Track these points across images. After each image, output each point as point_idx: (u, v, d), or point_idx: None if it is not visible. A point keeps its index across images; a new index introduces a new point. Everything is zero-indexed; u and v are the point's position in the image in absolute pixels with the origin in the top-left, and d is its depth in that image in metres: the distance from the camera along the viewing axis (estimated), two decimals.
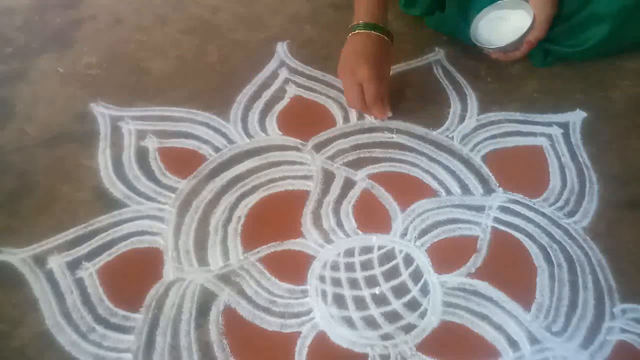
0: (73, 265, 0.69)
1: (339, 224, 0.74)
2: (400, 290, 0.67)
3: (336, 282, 0.68)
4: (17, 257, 0.70)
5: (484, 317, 0.65)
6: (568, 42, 0.88)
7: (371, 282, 0.68)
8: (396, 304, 0.66)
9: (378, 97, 0.82)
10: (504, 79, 0.93)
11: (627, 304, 0.66)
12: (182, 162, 0.81)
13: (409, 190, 0.77)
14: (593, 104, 0.89)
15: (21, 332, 0.64)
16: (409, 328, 0.64)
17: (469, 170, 0.80)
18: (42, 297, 0.66)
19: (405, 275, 0.69)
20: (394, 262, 0.70)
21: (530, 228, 0.73)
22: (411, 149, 0.82)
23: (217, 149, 0.82)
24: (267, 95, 0.91)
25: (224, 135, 0.84)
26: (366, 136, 0.84)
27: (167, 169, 0.80)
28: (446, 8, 0.95)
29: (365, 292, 0.67)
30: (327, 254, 0.71)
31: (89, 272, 0.68)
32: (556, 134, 0.85)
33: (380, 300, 0.67)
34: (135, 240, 0.71)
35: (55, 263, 0.69)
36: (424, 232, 0.73)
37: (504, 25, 0.86)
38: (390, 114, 0.85)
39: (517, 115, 0.88)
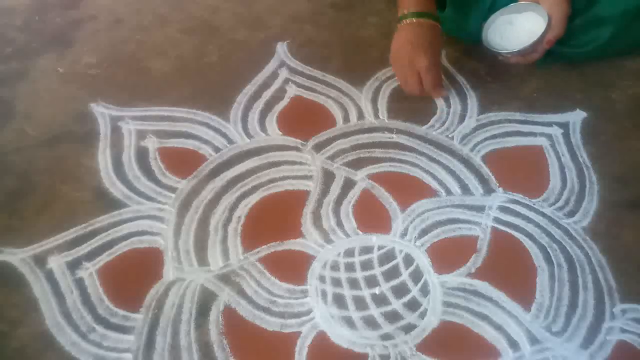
0: (73, 265, 0.69)
1: (339, 224, 0.74)
2: (400, 290, 0.67)
3: (336, 282, 0.68)
4: (17, 257, 0.70)
5: (484, 317, 0.65)
6: (570, 44, 0.88)
7: (371, 282, 0.68)
8: (396, 304, 0.66)
9: (437, 83, 0.85)
10: (504, 79, 0.93)
11: (627, 304, 0.66)
12: (182, 162, 0.81)
13: (409, 190, 0.77)
14: (593, 104, 0.89)
15: (21, 332, 0.64)
16: (409, 328, 0.64)
17: (469, 170, 0.80)
18: (42, 297, 0.66)
19: (405, 275, 0.69)
20: (394, 262, 0.70)
21: (530, 228, 0.73)
22: (411, 149, 0.82)
23: (217, 149, 0.82)
24: (267, 95, 0.91)
25: (224, 135, 0.84)
26: (366, 136, 0.84)
27: (167, 169, 0.80)
28: (446, 8, 0.95)
29: (365, 292, 0.67)
30: (327, 254, 0.71)
31: (89, 272, 0.68)
32: (556, 134, 0.85)
33: (380, 300, 0.67)
34: (135, 240, 0.72)
35: (55, 263, 0.69)
36: (424, 232, 0.73)
37: (515, 30, 0.85)
38: (447, 92, 0.89)
39: (517, 115, 0.88)
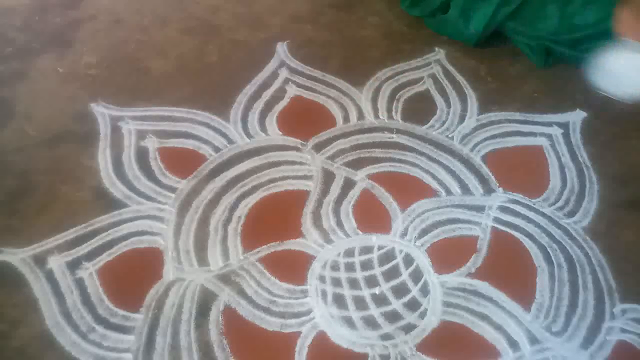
0: (73, 265, 0.69)
1: (339, 224, 0.74)
2: (400, 290, 0.67)
3: (336, 282, 0.68)
4: (17, 257, 0.69)
5: (484, 317, 0.65)
6: (580, 48, 0.89)
7: (371, 282, 0.68)
8: (396, 304, 0.66)
9: None
10: (504, 79, 0.93)
11: (627, 304, 0.66)
12: (182, 162, 0.80)
13: (409, 190, 0.77)
14: (593, 104, 0.89)
15: (21, 332, 0.64)
16: (409, 328, 0.64)
17: (469, 170, 0.80)
18: (42, 297, 0.66)
19: (405, 275, 0.69)
20: (394, 262, 0.70)
21: (530, 228, 0.73)
22: (411, 149, 0.82)
23: (217, 149, 0.82)
24: (267, 95, 0.91)
25: (224, 135, 0.84)
26: (366, 136, 0.84)
27: (167, 169, 0.80)
28: (449, 10, 0.95)
29: (365, 292, 0.67)
30: (327, 254, 0.71)
31: (89, 272, 0.68)
32: (556, 134, 0.85)
33: (380, 300, 0.67)
34: (135, 240, 0.71)
35: (55, 263, 0.69)
36: (424, 232, 0.73)
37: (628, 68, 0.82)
38: None
39: (517, 115, 0.88)
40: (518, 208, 0.75)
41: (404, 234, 0.72)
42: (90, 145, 0.82)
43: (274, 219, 0.74)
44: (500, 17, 0.86)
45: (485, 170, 0.80)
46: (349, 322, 0.65)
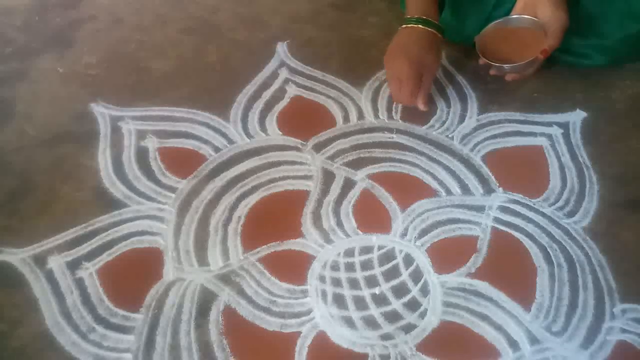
0: (73, 265, 0.69)
1: (339, 224, 0.74)
2: (400, 290, 0.67)
3: (336, 282, 0.68)
4: (17, 257, 0.70)
5: (484, 317, 0.65)
6: (571, 57, 0.89)
7: (371, 282, 0.68)
8: (396, 304, 0.66)
9: (413, 93, 0.82)
10: (504, 79, 0.93)
11: (627, 304, 0.66)
12: (182, 162, 0.81)
13: (409, 190, 0.77)
14: (593, 104, 0.89)
15: (21, 332, 0.64)
16: (409, 328, 0.64)
17: (469, 170, 0.80)
18: (42, 297, 0.66)
19: (405, 275, 0.69)
20: (394, 262, 0.70)
21: (530, 228, 0.73)
22: (411, 149, 0.82)
23: (217, 149, 0.82)
24: (267, 95, 0.91)
25: (224, 135, 0.84)
26: (366, 136, 0.84)
27: (167, 169, 0.80)
28: (443, 13, 0.95)
29: (365, 292, 0.67)
30: (327, 254, 0.71)
31: (89, 272, 0.68)
32: (556, 134, 0.85)
33: (380, 300, 0.67)
34: (135, 240, 0.72)
35: (55, 263, 0.69)
36: (424, 232, 0.73)
37: None
38: (423, 108, 0.84)
39: (517, 115, 0.88)
40: (518, 208, 0.75)
41: (404, 234, 0.72)
42: (90, 145, 0.83)
43: (274, 219, 0.74)
44: (494, 20, 0.86)
45: (485, 170, 0.80)
46: (349, 322, 0.65)
